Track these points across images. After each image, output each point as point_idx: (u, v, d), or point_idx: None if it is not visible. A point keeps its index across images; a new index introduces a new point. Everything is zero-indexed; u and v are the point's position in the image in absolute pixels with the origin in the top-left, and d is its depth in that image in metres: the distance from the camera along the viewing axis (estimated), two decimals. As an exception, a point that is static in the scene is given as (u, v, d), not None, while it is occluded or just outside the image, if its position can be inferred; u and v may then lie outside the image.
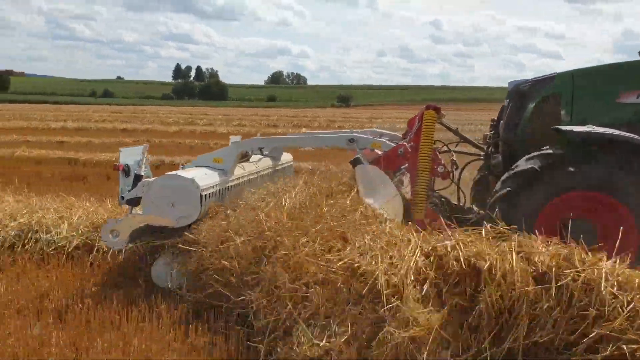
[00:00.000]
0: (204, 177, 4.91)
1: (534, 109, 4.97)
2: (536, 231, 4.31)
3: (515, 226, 3.73)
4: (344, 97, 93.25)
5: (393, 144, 5.15)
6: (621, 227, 4.28)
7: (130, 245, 4.85)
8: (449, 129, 5.48)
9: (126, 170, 4.87)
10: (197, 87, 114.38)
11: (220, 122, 32.60)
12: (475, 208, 5.61)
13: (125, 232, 4.73)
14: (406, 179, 5.35)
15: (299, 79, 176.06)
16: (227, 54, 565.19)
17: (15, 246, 5.45)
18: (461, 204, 5.57)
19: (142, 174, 4.95)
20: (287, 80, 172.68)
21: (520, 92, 5.14)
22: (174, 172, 4.98)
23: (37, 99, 79.66)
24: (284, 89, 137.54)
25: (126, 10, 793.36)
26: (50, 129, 24.67)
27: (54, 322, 3.85)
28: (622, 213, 4.30)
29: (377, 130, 6.08)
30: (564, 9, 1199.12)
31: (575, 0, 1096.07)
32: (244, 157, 5.70)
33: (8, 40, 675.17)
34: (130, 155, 4.96)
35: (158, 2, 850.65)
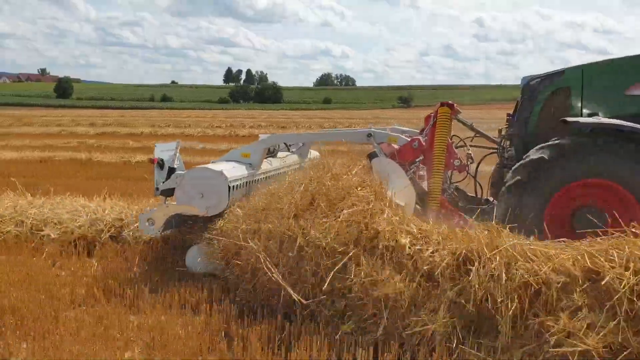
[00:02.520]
0: (232, 170, 5.31)
1: (544, 102, 5.15)
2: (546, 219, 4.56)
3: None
4: (405, 98, 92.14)
5: (409, 139, 5.42)
6: (629, 214, 4.45)
7: (163, 232, 5.31)
8: (465, 124, 5.70)
9: (161, 164, 5.34)
10: (252, 91, 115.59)
11: (347, 124, 30.14)
12: (491, 199, 5.79)
13: (160, 220, 5.19)
14: (426, 173, 5.60)
15: (347, 81, 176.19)
16: (269, 56, 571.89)
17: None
18: (478, 196, 5.77)
19: (175, 167, 5.39)
20: (335, 82, 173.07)
21: (531, 87, 5.31)
22: (204, 165, 5.42)
23: (102, 104, 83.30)
24: (336, 91, 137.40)
25: (170, 15, 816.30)
26: (241, 136, 23.26)
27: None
28: (629, 200, 4.45)
29: (398, 127, 6.34)
30: (614, 2, 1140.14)
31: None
32: (271, 153, 6.09)
33: (61, 48, 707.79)
34: (165, 150, 5.43)
35: (201, 7, 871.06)
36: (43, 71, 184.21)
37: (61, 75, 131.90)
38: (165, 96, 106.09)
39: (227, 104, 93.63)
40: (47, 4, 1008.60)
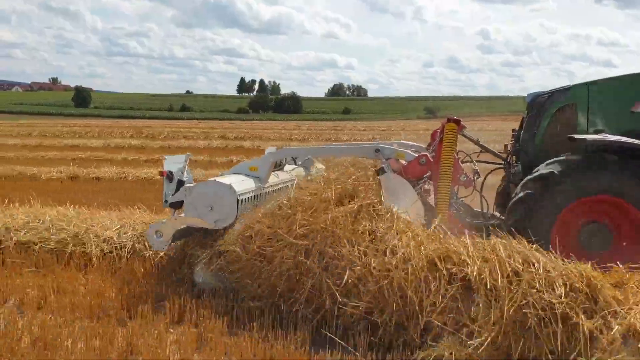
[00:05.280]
0: (241, 183, 5.36)
1: (551, 118, 5.19)
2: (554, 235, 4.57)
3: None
4: (431, 109, 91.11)
5: (416, 154, 5.46)
6: (634, 229, 4.47)
7: (172, 244, 5.36)
8: (471, 139, 5.73)
9: (170, 177, 5.40)
10: (271, 101, 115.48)
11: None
12: (497, 214, 5.80)
13: (168, 233, 5.23)
14: (432, 188, 5.63)
15: (359, 91, 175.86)
16: (274, 67, 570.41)
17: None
18: (484, 211, 5.78)
19: (185, 179, 5.46)
20: (347, 92, 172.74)
21: (538, 104, 5.35)
22: (213, 179, 5.48)
23: (122, 114, 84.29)
24: (350, 101, 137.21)
25: (176, 26, 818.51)
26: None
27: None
28: (635, 216, 4.46)
29: (405, 142, 6.37)
30: (618, 16, 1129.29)
31: (629, 6, 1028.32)
32: (278, 167, 6.15)
33: (68, 58, 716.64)
34: (174, 163, 5.49)
35: (207, 18, 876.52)
36: (55, 80, 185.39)
37: (72, 84, 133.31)
38: (184, 106, 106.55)
39: (247, 114, 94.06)
40: (53, 14, 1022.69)
